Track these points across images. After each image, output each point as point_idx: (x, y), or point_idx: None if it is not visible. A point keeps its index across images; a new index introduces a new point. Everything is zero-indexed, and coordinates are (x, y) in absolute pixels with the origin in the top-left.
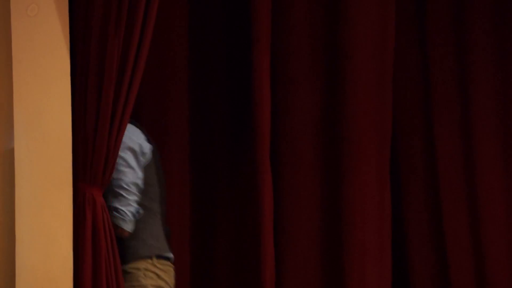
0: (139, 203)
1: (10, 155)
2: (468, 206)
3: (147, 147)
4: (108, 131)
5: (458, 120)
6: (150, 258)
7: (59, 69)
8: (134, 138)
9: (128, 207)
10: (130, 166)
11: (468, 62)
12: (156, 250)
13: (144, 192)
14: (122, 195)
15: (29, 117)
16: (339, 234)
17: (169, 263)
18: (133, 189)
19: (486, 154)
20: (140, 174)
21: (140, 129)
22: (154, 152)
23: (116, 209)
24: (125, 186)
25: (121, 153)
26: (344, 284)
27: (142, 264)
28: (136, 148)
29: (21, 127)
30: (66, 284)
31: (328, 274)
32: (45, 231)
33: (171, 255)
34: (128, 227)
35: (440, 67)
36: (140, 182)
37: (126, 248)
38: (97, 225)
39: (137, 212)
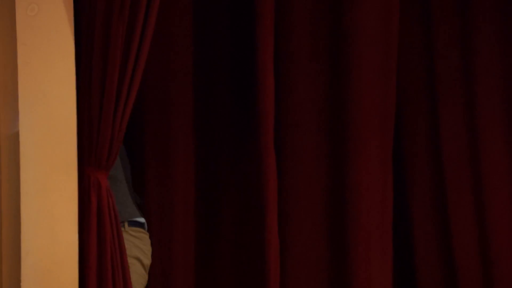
0: None
1: (15, 138)
2: (473, 191)
3: None
4: (113, 114)
5: (462, 102)
6: (122, 225)
7: (64, 52)
8: None
9: None
10: None
11: (473, 42)
12: (126, 215)
13: None
14: None
15: (34, 101)
16: (344, 217)
17: (142, 229)
18: None
19: (491, 136)
20: None
21: None
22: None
23: None
24: None
25: None
26: (349, 267)
27: None
28: None
29: (26, 111)
30: (71, 267)
31: (333, 258)
32: (50, 214)
33: (143, 220)
34: None
35: (444, 46)
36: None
37: None
38: (102, 209)
39: None
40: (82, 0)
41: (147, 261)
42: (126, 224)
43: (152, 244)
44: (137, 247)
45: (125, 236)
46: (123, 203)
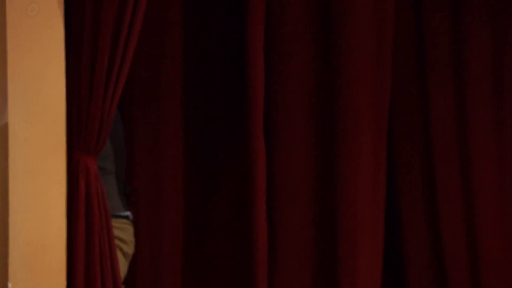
0: None
1: (3, 125)
2: (462, 180)
3: None
4: (102, 99)
5: (453, 92)
6: None
7: (53, 36)
8: None
9: None
10: None
11: (463, 27)
12: (110, 210)
13: None
14: None
15: (23, 85)
16: (333, 203)
17: (125, 220)
18: None
19: (480, 125)
20: None
21: None
22: None
23: None
24: None
25: None
26: (337, 253)
27: None
28: None
29: (15, 95)
30: (59, 251)
31: (321, 243)
32: (39, 198)
33: (127, 213)
34: None
35: (435, 34)
36: None
37: None
38: (91, 193)
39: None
40: None
41: (128, 250)
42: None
43: (140, 235)
44: (120, 239)
45: None
46: (110, 196)
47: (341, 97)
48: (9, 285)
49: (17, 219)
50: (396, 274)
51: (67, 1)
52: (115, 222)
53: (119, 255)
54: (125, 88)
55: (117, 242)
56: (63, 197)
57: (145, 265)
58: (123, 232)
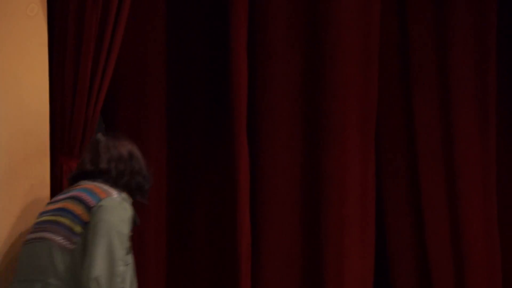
0: None
1: None
2: (446, 180)
3: None
4: (86, 102)
5: (437, 94)
6: None
7: (37, 39)
8: None
9: None
10: None
11: (447, 33)
12: None
13: None
14: None
15: (6, 88)
16: (317, 208)
17: None
18: None
19: (464, 126)
20: None
21: None
22: None
23: None
24: None
25: None
26: (324, 255)
27: None
28: None
29: None
30: None
31: (307, 245)
32: (22, 202)
33: None
34: None
35: (419, 38)
36: None
37: None
38: None
39: None
40: None
41: None
42: None
43: None
44: None
45: None
46: None
47: (327, 100)
48: None
49: (0, 223)
50: (382, 277)
51: (51, 5)
52: None
53: None
54: (108, 89)
55: None
56: (46, 200)
57: None
58: None
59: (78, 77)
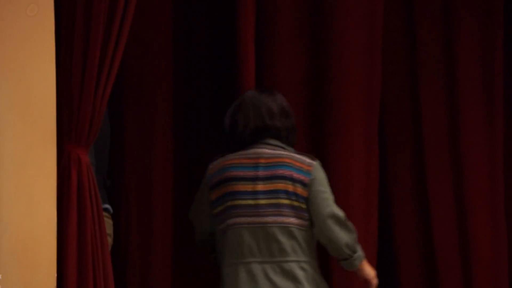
0: None
1: None
2: (452, 169)
3: None
4: (94, 91)
5: (443, 84)
6: None
7: (44, 27)
8: None
9: None
10: None
11: (453, 21)
12: None
13: None
14: None
15: (13, 76)
16: None
17: (106, 213)
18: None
19: (470, 115)
20: None
21: None
22: None
23: None
24: None
25: None
26: None
27: None
28: None
29: (5, 85)
30: (49, 243)
31: None
32: (28, 190)
33: (106, 206)
34: None
35: (426, 31)
36: None
37: None
38: (83, 185)
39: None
40: None
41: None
42: None
43: (132, 228)
44: None
45: None
46: None
47: (332, 90)
48: None
49: (7, 211)
50: (387, 268)
51: None
52: None
53: None
54: (115, 81)
55: None
56: (53, 188)
57: (136, 258)
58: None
59: (86, 65)
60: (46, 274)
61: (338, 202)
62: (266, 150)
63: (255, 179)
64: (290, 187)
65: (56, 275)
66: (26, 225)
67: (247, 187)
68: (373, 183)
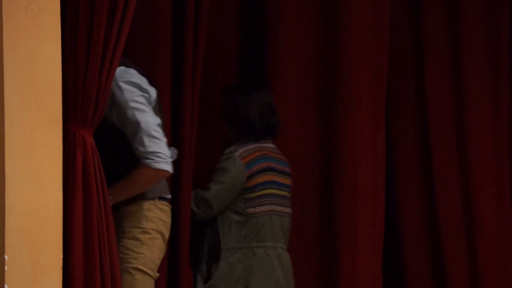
0: None
1: None
2: (457, 151)
3: (152, 90)
4: (99, 71)
5: (448, 56)
6: (153, 199)
7: (50, 7)
8: (143, 85)
9: (165, 149)
10: (148, 109)
11: (459, 2)
12: (158, 192)
13: None
14: (157, 138)
15: (19, 57)
16: (332, 179)
17: (167, 203)
18: (161, 131)
19: (476, 96)
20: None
21: (141, 73)
22: (158, 95)
23: (156, 153)
24: (156, 129)
25: (136, 97)
26: (337, 226)
27: (145, 205)
28: (145, 92)
29: (11, 67)
30: (55, 223)
31: (321, 217)
32: (34, 171)
33: (169, 196)
34: (170, 168)
35: (431, 6)
36: (161, 123)
37: None
38: (88, 166)
39: (173, 152)
40: None
41: (168, 234)
42: (156, 199)
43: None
44: (163, 221)
45: (155, 210)
46: (162, 180)
47: (340, 68)
48: (5, 257)
49: (13, 193)
50: (393, 248)
51: None
52: (160, 204)
53: (161, 243)
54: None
55: (162, 228)
56: (59, 169)
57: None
58: (166, 214)
59: (91, 46)
60: (52, 255)
61: (346, 182)
62: (274, 146)
63: (283, 173)
64: (290, 181)
65: (62, 255)
66: (32, 206)
67: (283, 180)
68: (380, 162)
